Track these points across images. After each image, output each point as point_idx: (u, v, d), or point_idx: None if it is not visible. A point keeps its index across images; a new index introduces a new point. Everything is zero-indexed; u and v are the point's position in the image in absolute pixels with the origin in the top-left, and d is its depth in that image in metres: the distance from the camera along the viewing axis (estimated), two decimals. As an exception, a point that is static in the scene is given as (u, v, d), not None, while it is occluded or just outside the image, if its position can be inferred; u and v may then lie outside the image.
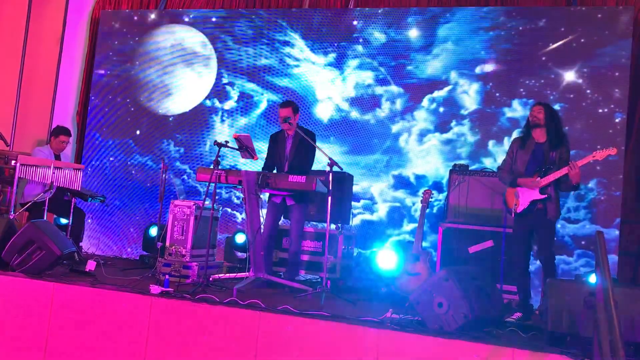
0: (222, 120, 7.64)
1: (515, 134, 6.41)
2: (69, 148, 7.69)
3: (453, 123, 6.72)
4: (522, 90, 6.50)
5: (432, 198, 5.78)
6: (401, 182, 6.83)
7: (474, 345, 3.55)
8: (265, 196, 6.87)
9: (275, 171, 5.53)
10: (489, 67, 6.64)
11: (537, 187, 4.66)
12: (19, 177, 5.72)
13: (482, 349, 3.53)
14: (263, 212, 5.20)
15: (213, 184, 4.99)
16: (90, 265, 5.17)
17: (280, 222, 5.79)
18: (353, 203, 6.65)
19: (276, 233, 5.65)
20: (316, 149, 5.45)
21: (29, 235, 4.75)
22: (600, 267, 3.04)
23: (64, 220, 6.38)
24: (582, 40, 6.32)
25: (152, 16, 8.09)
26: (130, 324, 4.19)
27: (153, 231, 6.82)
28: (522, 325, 4.29)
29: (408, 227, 6.72)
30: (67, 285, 4.42)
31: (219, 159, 5.02)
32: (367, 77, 7.08)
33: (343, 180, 6.16)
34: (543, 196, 4.65)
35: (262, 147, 7.24)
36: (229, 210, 7.42)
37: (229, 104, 7.64)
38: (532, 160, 4.78)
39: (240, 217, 7.35)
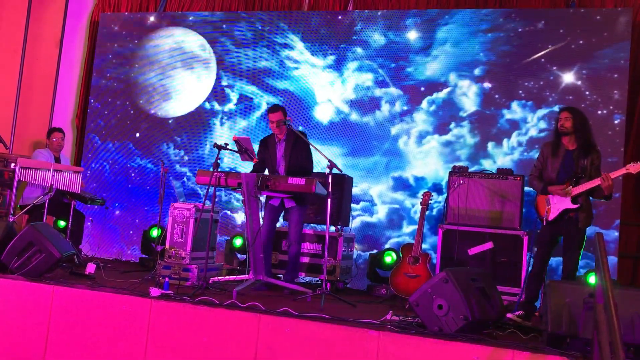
0: (222, 123, 7.65)
1: (514, 136, 6.45)
2: (68, 151, 7.71)
3: (452, 125, 6.72)
4: (521, 92, 6.51)
5: (431, 200, 5.79)
6: (400, 184, 6.83)
7: (474, 347, 3.55)
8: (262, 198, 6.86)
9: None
10: (487, 69, 6.65)
11: (569, 196, 4.61)
12: (18, 180, 5.72)
13: (482, 351, 3.52)
14: (262, 214, 5.20)
15: (213, 187, 4.99)
16: (90, 267, 5.17)
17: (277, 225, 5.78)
18: (353, 205, 6.65)
19: (273, 235, 5.64)
20: (310, 148, 5.43)
21: (28, 238, 4.75)
22: (599, 269, 3.04)
23: (62, 223, 6.39)
24: (581, 42, 6.33)
25: (152, 19, 8.10)
26: (129, 327, 4.19)
27: (153, 234, 6.82)
28: (522, 326, 4.29)
29: (408, 229, 6.72)
30: (66, 288, 4.41)
31: (218, 161, 5.02)
32: (367, 79, 7.09)
33: (343, 182, 6.16)
34: (575, 206, 4.62)
35: (261, 149, 7.24)
36: (229, 212, 7.42)
37: (229, 107, 7.64)
38: (563, 168, 4.74)
39: (240, 219, 7.35)
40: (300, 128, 7.08)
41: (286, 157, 5.47)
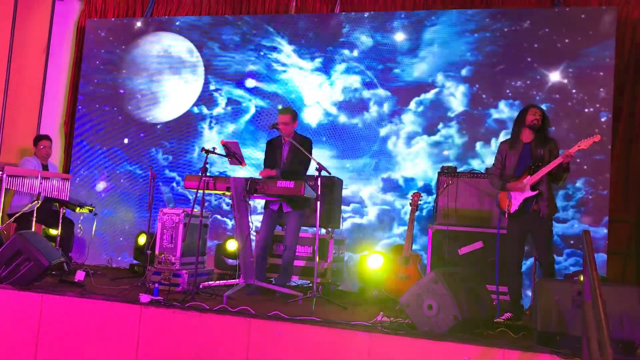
0: (211, 127, 7.63)
1: (502, 136, 6.47)
2: (56, 158, 7.67)
3: (440, 125, 6.74)
4: (508, 91, 6.54)
5: (421, 200, 5.79)
6: (390, 185, 6.84)
7: (465, 347, 3.56)
8: (260, 202, 6.86)
9: None
10: (474, 69, 6.68)
11: (526, 189, 4.68)
12: (5, 188, 5.69)
13: (473, 350, 3.53)
14: (252, 218, 5.20)
15: (201, 191, 4.98)
16: (79, 275, 5.14)
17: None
18: (343, 207, 6.65)
19: (271, 240, 5.63)
20: (310, 155, 5.42)
21: (16, 247, 4.71)
22: (587, 266, 3.06)
23: (53, 232, 6.35)
24: (567, 40, 6.37)
25: (139, 24, 8.07)
26: (120, 334, 4.17)
27: (142, 239, 6.79)
28: (512, 325, 4.30)
29: (398, 230, 6.73)
30: (55, 297, 4.39)
31: (207, 165, 5.01)
32: (355, 81, 7.10)
33: (332, 185, 6.16)
34: (535, 192, 4.66)
35: (250, 153, 7.24)
36: (219, 217, 7.40)
37: (217, 111, 7.63)
38: (521, 160, 4.81)
39: (230, 223, 7.33)
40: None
41: (287, 160, 5.47)
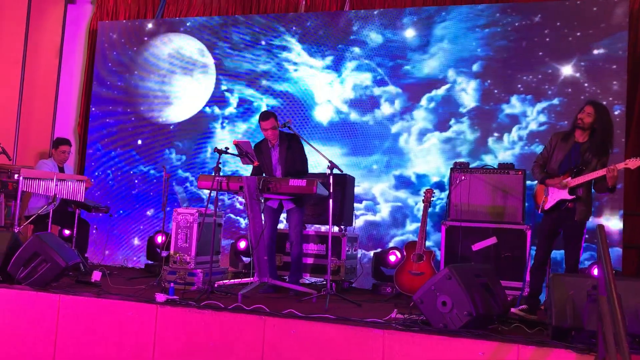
0: (223, 127, 7.67)
1: (515, 131, 6.46)
2: (71, 160, 7.74)
3: (452, 121, 6.73)
4: (519, 86, 6.51)
5: (434, 197, 5.79)
6: (402, 182, 6.84)
7: (479, 343, 3.55)
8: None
9: None
10: (485, 64, 6.65)
11: (565, 189, 4.61)
12: (22, 190, 5.76)
13: (487, 346, 3.53)
14: (265, 216, 5.21)
15: (215, 191, 5.01)
16: (96, 275, 5.20)
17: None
18: (355, 204, 6.66)
19: (276, 237, 5.65)
20: (304, 149, 5.45)
21: (33, 248, 4.78)
22: (602, 261, 3.04)
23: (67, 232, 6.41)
24: (578, 33, 6.33)
25: (150, 26, 8.13)
26: (136, 333, 4.21)
27: (157, 239, 6.85)
28: (527, 320, 4.29)
29: (411, 226, 6.73)
30: (73, 297, 4.44)
31: (219, 165, 5.04)
32: (365, 78, 7.10)
33: (344, 182, 6.17)
34: (571, 197, 4.60)
35: (263, 152, 7.27)
36: (233, 216, 7.45)
37: (229, 111, 7.67)
38: (567, 159, 4.70)
39: (244, 222, 7.37)
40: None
41: (282, 162, 5.46)
